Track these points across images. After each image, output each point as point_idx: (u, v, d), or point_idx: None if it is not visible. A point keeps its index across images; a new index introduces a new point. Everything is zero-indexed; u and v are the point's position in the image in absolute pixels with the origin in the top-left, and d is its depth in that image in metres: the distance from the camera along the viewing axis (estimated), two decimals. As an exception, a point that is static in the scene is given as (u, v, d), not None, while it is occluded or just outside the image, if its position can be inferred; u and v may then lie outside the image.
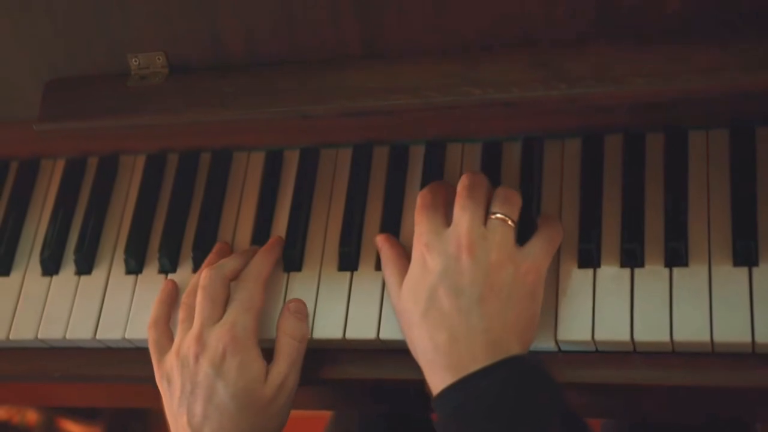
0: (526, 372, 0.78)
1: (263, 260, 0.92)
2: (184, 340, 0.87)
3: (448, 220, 0.85)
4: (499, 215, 0.83)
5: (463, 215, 0.83)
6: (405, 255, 0.88)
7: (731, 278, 0.82)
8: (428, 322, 0.80)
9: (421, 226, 0.85)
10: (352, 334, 0.89)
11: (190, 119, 0.86)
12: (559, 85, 0.77)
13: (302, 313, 0.90)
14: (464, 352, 0.79)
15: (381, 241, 0.90)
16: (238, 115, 0.85)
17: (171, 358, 0.88)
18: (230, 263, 0.92)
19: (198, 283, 0.90)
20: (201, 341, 0.86)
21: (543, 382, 0.79)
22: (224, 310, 0.88)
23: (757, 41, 0.74)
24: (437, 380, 0.79)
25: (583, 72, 0.77)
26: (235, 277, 0.91)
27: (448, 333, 0.79)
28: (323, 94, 0.83)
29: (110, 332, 0.96)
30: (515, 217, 0.84)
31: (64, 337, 0.97)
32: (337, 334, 0.90)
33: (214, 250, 0.95)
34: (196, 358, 0.86)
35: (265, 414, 0.86)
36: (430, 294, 0.81)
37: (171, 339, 0.91)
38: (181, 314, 0.90)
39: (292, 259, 0.94)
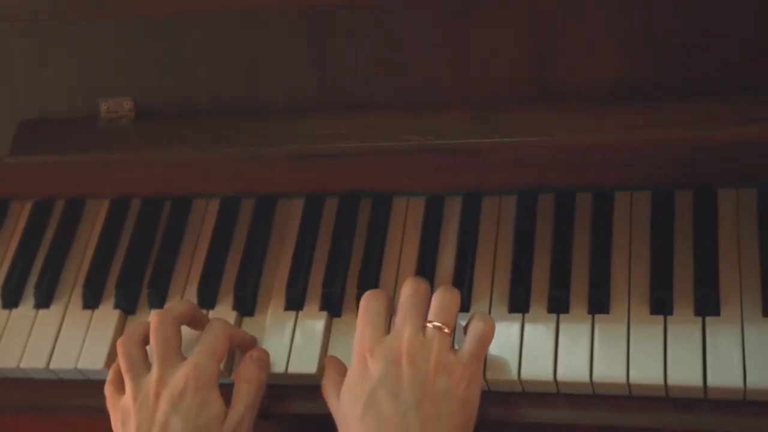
0: None
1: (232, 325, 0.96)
2: (144, 382, 0.89)
3: (387, 326, 0.90)
4: (436, 324, 0.87)
5: (405, 324, 0.87)
6: (345, 372, 0.91)
7: (648, 325, 0.88)
8: (366, 423, 0.84)
9: (363, 331, 0.89)
10: (294, 369, 0.94)
11: (150, 157, 0.93)
12: (493, 135, 0.84)
13: (263, 362, 0.94)
14: None
15: (328, 360, 0.94)
16: (195, 154, 0.92)
17: (127, 401, 0.90)
18: (178, 307, 0.94)
19: (132, 331, 0.93)
20: (163, 381, 0.88)
21: None
22: (179, 352, 0.91)
23: (670, 104, 0.83)
24: None
25: (516, 125, 0.85)
26: (185, 319, 0.94)
27: None
28: (277, 138, 0.90)
29: (63, 362, 1.00)
30: (452, 324, 0.88)
31: (18, 366, 1.01)
32: (280, 369, 0.94)
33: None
34: (157, 396, 0.88)
35: None
36: (369, 397, 0.84)
37: None
38: (122, 365, 0.91)
39: (244, 302, 0.99)
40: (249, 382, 0.92)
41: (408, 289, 0.90)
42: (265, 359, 0.94)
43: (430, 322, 0.87)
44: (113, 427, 0.91)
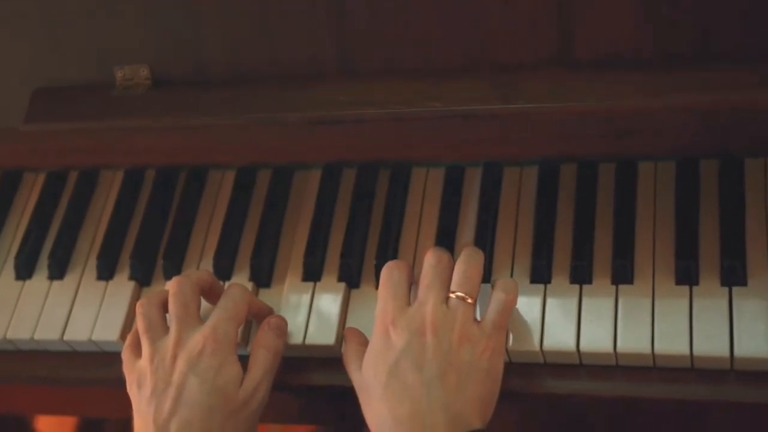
0: None
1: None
2: (161, 343, 0.88)
3: (409, 296, 0.89)
4: (459, 294, 0.87)
5: (429, 294, 0.86)
6: (366, 343, 0.90)
7: (673, 296, 0.87)
8: (389, 394, 0.83)
9: (386, 302, 0.88)
10: (312, 340, 0.93)
11: (166, 124, 0.91)
12: (516, 101, 0.83)
13: (281, 329, 0.93)
14: (425, 425, 0.81)
15: (348, 331, 0.93)
16: (212, 122, 0.91)
17: (144, 362, 0.89)
18: (196, 273, 0.94)
19: (152, 295, 0.93)
20: (180, 342, 0.88)
21: None
22: (198, 317, 0.91)
23: (694, 69, 0.82)
24: None
25: (537, 91, 0.83)
26: (204, 287, 0.94)
27: (410, 405, 0.82)
28: (294, 104, 0.89)
29: (77, 334, 0.99)
30: (475, 294, 0.87)
31: (32, 337, 1.00)
32: (297, 340, 0.93)
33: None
34: (174, 358, 0.87)
35: (235, 418, 0.87)
36: (392, 367, 0.84)
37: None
38: (140, 326, 0.91)
39: (260, 273, 0.98)
40: (266, 349, 0.91)
41: (431, 260, 0.89)
42: (282, 327, 0.93)
43: (453, 292, 0.86)
44: (128, 390, 0.90)
